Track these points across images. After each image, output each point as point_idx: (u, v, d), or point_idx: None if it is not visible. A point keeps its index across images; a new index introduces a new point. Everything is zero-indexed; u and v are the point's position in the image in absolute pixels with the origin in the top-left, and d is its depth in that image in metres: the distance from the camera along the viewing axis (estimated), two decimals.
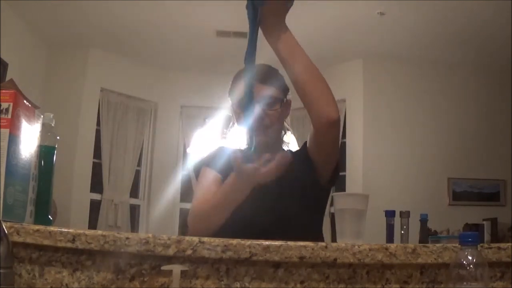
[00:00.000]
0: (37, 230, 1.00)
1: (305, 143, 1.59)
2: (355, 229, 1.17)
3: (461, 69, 5.40)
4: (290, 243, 1.02)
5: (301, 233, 1.44)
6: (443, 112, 5.36)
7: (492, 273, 1.03)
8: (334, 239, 1.25)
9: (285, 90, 1.59)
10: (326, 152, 1.50)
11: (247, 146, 1.42)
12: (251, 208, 1.45)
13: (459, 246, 0.93)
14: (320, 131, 1.40)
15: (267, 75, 1.54)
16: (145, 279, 1.02)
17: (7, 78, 4.07)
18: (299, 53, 1.37)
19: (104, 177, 5.33)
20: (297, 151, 1.65)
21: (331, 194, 1.60)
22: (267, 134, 1.52)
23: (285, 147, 1.69)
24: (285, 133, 1.69)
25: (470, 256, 0.91)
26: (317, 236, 1.54)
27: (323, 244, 1.03)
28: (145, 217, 5.63)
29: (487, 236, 4.62)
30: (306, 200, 1.49)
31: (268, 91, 1.51)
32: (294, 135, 3.41)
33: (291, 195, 1.48)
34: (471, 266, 0.90)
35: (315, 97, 1.35)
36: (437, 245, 1.04)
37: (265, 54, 1.44)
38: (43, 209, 1.18)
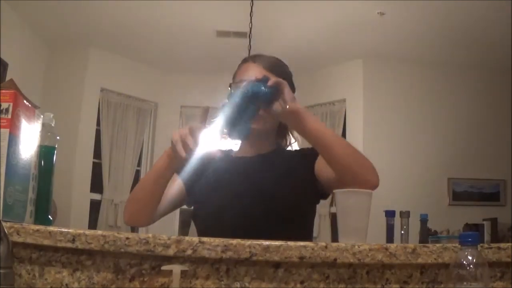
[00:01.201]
0: (37, 230, 1.00)
1: (311, 154, 1.52)
2: (358, 227, 1.16)
3: (461, 69, 5.40)
4: (290, 243, 1.02)
5: (290, 223, 1.43)
6: (443, 112, 5.36)
7: (492, 273, 1.03)
8: (334, 239, 1.24)
9: (291, 86, 1.56)
10: None
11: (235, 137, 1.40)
12: (243, 192, 1.45)
13: (459, 246, 0.93)
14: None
15: (273, 65, 1.52)
16: (145, 279, 1.02)
17: (7, 78, 4.07)
18: (328, 130, 1.40)
19: (104, 177, 5.33)
20: (299, 152, 1.62)
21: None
22: (259, 123, 1.47)
23: (285, 146, 1.67)
24: (286, 133, 1.67)
25: (470, 256, 0.91)
26: (306, 234, 1.53)
27: (323, 244, 1.03)
28: None
29: (487, 236, 4.62)
30: (299, 194, 1.47)
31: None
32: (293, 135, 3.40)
33: (286, 185, 1.47)
34: (471, 266, 0.90)
35: (357, 162, 1.33)
36: (437, 245, 1.04)
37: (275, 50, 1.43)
38: (43, 209, 1.18)
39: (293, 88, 1.56)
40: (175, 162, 1.38)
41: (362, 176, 1.29)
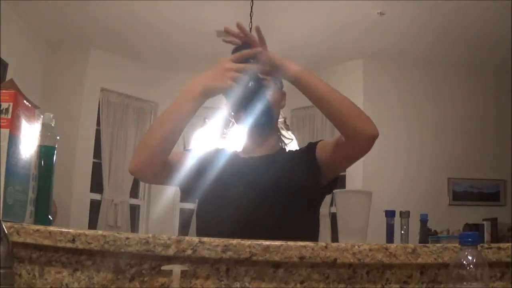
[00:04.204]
0: (37, 230, 1.00)
1: (312, 145, 1.58)
2: (358, 227, 1.16)
3: (461, 69, 5.40)
4: (290, 243, 1.02)
5: (294, 225, 1.44)
6: (443, 112, 5.36)
7: (492, 273, 1.03)
8: (334, 239, 1.25)
9: (280, 81, 1.61)
10: (345, 164, 1.52)
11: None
12: (245, 200, 1.45)
13: (459, 246, 0.93)
14: (358, 145, 1.40)
15: None
16: (145, 279, 1.02)
17: (7, 78, 4.07)
18: (325, 85, 1.44)
19: (104, 177, 5.33)
20: (300, 151, 1.65)
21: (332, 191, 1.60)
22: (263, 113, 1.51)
23: (285, 146, 1.69)
24: (280, 124, 1.70)
25: (470, 256, 0.91)
26: (311, 231, 1.54)
27: (323, 244, 1.03)
28: (145, 217, 5.63)
29: (487, 236, 4.62)
30: (303, 199, 1.48)
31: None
32: (294, 135, 3.41)
33: (289, 191, 1.47)
34: (471, 266, 0.90)
35: (355, 114, 1.38)
36: (437, 245, 1.04)
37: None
38: (43, 209, 1.18)
39: (280, 81, 1.61)
40: (214, 93, 1.38)
41: (360, 128, 1.34)
